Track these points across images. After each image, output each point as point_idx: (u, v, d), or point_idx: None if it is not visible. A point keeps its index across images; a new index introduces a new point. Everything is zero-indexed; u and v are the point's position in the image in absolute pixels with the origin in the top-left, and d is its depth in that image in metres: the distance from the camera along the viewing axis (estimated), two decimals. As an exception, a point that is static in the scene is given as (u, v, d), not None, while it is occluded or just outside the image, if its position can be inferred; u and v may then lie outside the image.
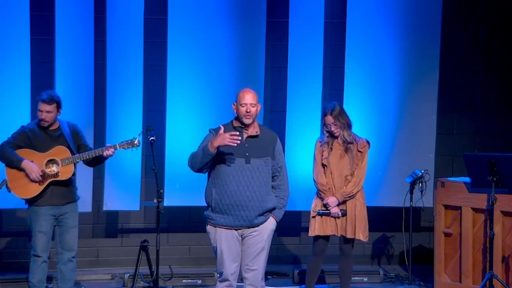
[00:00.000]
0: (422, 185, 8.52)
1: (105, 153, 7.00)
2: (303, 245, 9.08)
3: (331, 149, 7.32)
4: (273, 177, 6.44)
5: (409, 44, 8.83)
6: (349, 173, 7.31)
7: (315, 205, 7.38)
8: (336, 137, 7.32)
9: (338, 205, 7.28)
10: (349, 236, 7.31)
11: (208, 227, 6.44)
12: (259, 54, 8.64)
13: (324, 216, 7.32)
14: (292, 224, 8.97)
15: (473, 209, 7.88)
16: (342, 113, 7.30)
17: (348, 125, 7.30)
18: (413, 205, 8.54)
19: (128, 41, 8.47)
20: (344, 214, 7.29)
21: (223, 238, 6.35)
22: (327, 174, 7.32)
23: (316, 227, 7.32)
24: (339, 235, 7.36)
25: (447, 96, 9.26)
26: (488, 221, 7.69)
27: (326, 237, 7.37)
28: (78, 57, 8.37)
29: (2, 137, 7.12)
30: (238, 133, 6.16)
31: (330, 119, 7.26)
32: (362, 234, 7.34)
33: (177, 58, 8.53)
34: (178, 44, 8.53)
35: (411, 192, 8.53)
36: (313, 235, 7.36)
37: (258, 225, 6.37)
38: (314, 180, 7.36)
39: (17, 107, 8.17)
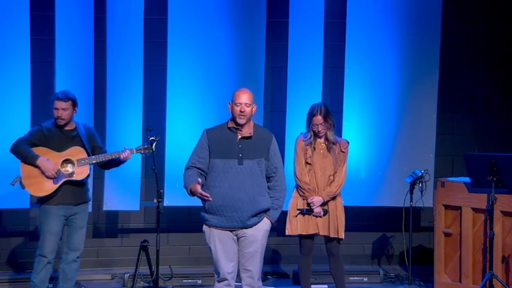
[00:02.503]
0: (422, 185, 8.52)
1: (122, 156, 7.04)
2: (303, 245, 9.07)
3: (314, 148, 7.30)
4: (268, 178, 6.43)
5: (409, 44, 8.83)
6: (332, 172, 7.30)
7: (296, 203, 7.31)
8: (320, 137, 7.30)
9: (321, 205, 7.26)
10: (332, 235, 7.27)
11: (204, 227, 6.45)
12: (259, 54, 8.64)
13: (306, 215, 7.29)
14: (292, 224, 8.96)
15: (473, 209, 7.88)
16: (329, 113, 7.28)
17: (333, 125, 7.30)
18: (413, 205, 8.54)
19: (128, 41, 8.47)
20: (325, 213, 7.27)
21: (217, 238, 6.36)
22: (310, 173, 7.29)
23: (299, 226, 7.28)
24: (320, 234, 7.31)
25: (447, 96, 9.27)
26: (488, 221, 7.70)
27: (311, 236, 7.34)
28: (78, 57, 8.37)
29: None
30: (209, 196, 6.25)
31: (319, 119, 7.23)
32: (343, 233, 7.32)
33: (177, 58, 8.53)
34: (178, 44, 8.53)
35: (411, 192, 8.53)
36: (295, 234, 7.32)
37: (251, 226, 6.36)
38: (297, 178, 7.30)
39: (17, 107, 8.16)
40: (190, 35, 8.54)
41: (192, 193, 6.30)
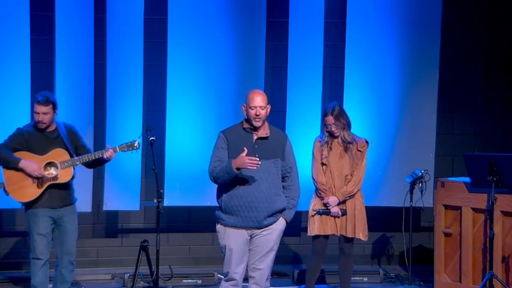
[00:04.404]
0: (422, 185, 8.52)
1: (105, 156, 6.95)
2: (303, 245, 9.08)
3: (331, 148, 7.33)
4: (283, 177, 6.45)
5: (409, 44, 8.83)
6: (349, 172, 7.32)
7: (314, 204, 7.38)
8: (336, 137, 7.33)
9: (338, 204, 7.29)
10: (349, 235, 7.32)
11: (218, 226, 6.45)
12: (259, 54, 8.64)
13: (323, 216, 7.32)
14: (292, 224, 8.88)
15: (473, 209, 7.88)
16: (342, 113, 7.32)
17: (348, 125, 7.32)
18: (413, 205, 8.54)
19: (128, 41, 8.46)
20: (344, 213, 7.29)
21: (231, 238, 6.36)
22: (327, 173, 7.32)
23: (316, 227, 7.32)
24: (339, 234, 7.36)
25: (447, 96, 9.26)
26: (488, 221, 7.70)
27: (326, 237, 7.37)
28: (78, 57, 8.37)
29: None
30: (258, 159, 6.16)
31: (330, 119, 7.27)
32: (362, 233, 7.36)
33: (177, 58, 8.53)
34: (178, 44, 8.52)
35: (411, 192, 8.53)
36: (313, 234, 7.36)
37: (267, 226, 6.38)
38: (313, 179, 7.36)
39: (17, 107, 8.16)
40: (190, 35, 8.54)
41: (237, 169, 6.17)
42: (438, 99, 8.91)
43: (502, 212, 7.68)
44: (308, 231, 7.39)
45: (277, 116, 8.86)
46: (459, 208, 7.98)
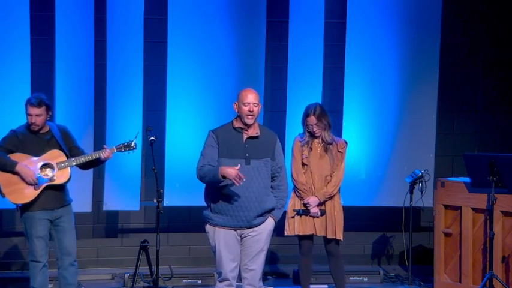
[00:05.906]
0: (422, 185, 8.52)
1: (102, 156, 6.89)
2: (303, 245, 9.08)
3: (311, 148, 7.30)
4: (272, 177, 6.45)
5: (409, 44, 8.84)
6: (329, 173, 7.28)
7: (293, 204, 7.31)
8: (316, 137, 7.30)
9: (317, 205, 7.26)
10: (329, 236, 7.27)
11: (207, 227, 6.45)
12: (259, 54, 8.65)
13: (302, 216, 7.29)
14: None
15: (473, 209, 7.88)
16: (324, 113, 7.27)
17: (329, 126, 7.29)
18: (413, 205, 8.54)
19: (128, 41, 8.47)
20: (323, 214, 7.26)
21: (221, 238, 6.36)
22: (307, 174, 7.28)
23: (296, 227, 7.29)
24: (318, 235, 7.31)
25: (447, 96, 9.27)
26: (488, 221, 7.70)
27: (309, 237, 7.34)
28: (78, 57, 8.38)
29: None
30: (245, 177, 6.13)
31: (313, 119, 7.23)
32: (341, 234, 7.32)
33: (177, 58, 8.54)
34: (178, 44, 8.53)
35: (411, 192, 8.53)
36: (292, 235, 7.32)
37: (256, 226, 6.38)
38: (293, 179, 7.31)
39: (17, 107, 8.14)
40: (190, 35, 8.55)
41: (223, 178, 6.14)
42: (438, 99, 8.91)
43: (502, 212, 7.68)
44: (285, 231, 7.34)
45: (277, 116, 8.87)
46: (459, 208, 7.98)
